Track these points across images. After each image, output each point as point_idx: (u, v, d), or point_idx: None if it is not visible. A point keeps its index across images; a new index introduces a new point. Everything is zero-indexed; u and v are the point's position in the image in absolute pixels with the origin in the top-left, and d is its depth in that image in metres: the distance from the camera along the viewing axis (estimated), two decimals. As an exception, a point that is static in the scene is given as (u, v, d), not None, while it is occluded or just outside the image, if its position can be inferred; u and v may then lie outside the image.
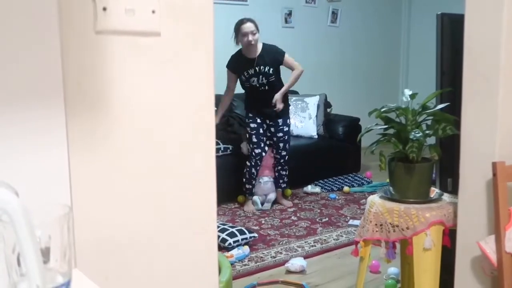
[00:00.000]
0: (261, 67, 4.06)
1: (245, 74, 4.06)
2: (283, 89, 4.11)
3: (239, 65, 4.06)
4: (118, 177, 0.96)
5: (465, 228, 1.89)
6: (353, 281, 2.63)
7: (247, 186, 4.25)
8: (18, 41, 0.80)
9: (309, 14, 6.19)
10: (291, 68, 4.17)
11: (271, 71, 4.07)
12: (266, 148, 4.25)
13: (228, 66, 4.10)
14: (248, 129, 4.18)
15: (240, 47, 4.09)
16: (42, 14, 0.81)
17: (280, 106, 4.07)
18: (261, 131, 4.18)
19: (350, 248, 3.08)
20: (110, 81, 0.93)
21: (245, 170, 4.22)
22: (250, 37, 3.94)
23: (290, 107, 5.05)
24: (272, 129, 4.24)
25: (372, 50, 6.89)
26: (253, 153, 4.18)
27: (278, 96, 4.08)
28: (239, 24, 4.00)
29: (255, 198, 4.29)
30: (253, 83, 4.07)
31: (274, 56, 4.10)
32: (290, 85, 4.17)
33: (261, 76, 4.06)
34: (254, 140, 4.17)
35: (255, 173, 4.22)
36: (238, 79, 4.15)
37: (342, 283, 2.90)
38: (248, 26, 3.96)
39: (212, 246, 1.10)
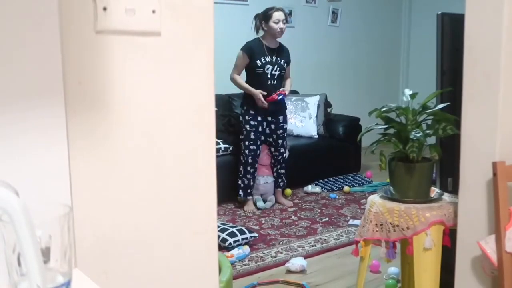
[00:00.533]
0: (278, 58, 4.12)
1: (262, 59, 4.07)
2: (288, 87, 4.25)
3: (258, 50, 4.07)
4: (118, 176, 0.96)
5: (465, 228, 1.89)
6: (353, 281, 2.64)
7: (239, 182, 4.20)
8: (18, 41, 0.80)
9: (310, 13, 6.19)
10: (286, 76, 4.30)
11: (284, 65, 4.18)
12: (261, 146, 4.25)
13: (244, 49, 4.09)
14: (247, 126, 4.16)
15: (255, 35, 4.15)
16: (42, 14, 0.81)
17: (287, 92, 4.18)
18: (260, 129, 4.18)
19: (350, 248, 3.09)
20: (111, 81, 0.93)
21: (241, 168, 4.20)
22: (282, 25, 4.03)
23: (290, 107, 5.08)
24: (273, 126, 4.23)
25: (372, 50, 6.89)
26: (248, 149, 4.16)
27: (287, 88, 4.20)
28: (270, 10, 4.05)
29: (257, 198, 4.29)
30: (267, 70, 4.08)
31: (288, 55, 4.25)
32: (289, 87, 4.29)
33: (276, 66, 4.11)
34: (252, 137, 4.16)
35: (251, 170, 4.20)
36: (246, 68, 4.13)
37: (342, 283, 2.90)
38: (281, 14, 4.06)
39: (212, 246, 1.10)
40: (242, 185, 4.21)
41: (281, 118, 4.24)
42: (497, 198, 1.67)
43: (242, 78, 4.18)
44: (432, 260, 2.03)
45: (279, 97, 4.04)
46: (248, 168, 4.18)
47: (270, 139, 4.27)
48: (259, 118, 4.16)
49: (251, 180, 4.22)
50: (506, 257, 1.67)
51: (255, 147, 4.18)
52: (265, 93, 4.04)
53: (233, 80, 4.13)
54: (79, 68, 0.89)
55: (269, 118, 4.20)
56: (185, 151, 1.04)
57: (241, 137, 4.23)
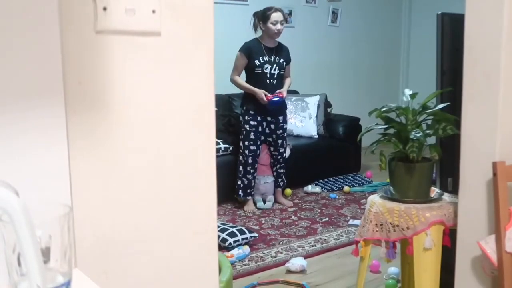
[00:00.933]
0: (277, 57, 4.13)
1: (260, 59, 4.07)
2: (286, 87, 4.22)
3: (256, 50, 4.07)
4: (118, 176, 0.96)
5: (465, 228, 1.89)
6: (354, 281, 2.64)
7: (239, 183, 4.19)
8: (18, 41, 0.80)
9: (310, 13, 6.19)
10: (286, 75, 4.28)
11: (284, 64, 4.17)
12: (261, 147, 4.25)
13: (242, 49, 4.09)
14: (247, 126, 4.15)
15: (254, 36, 4.15)
16: (42, 14, 0.81)
17: (284, 94, 4.14)
18: (260, 129, 4.18)
19: (350, 248, 3.09)
20: (111, 81, 0.93)
21: (240, 168, 4.20)
22: (279, 26, 4.04)
23: (290, 107, 5.08)
24: (272, 126, 4.23)
25: (372, 49, 6.89)
26: (248, 149, 4.16)
27: (284, 89, 4.17)
28: (269, 11, 4.05)
29: (257, 198, 4.29)
30: (266, 70, 4.08)
31: (287, 54, 4.24)
32: (287, 88, 4.26)
33: (275, 65, 4.11)
34: (252, 137, 4.16)
35: (251, 171, 4.20)
36: (246, 68, 4.12)
37: (342, 283, 2.90)
38: (279, 15, 4.05)
39: (212, 246, 1.10)
40: (241, 185, 4.20)
41: (281, 118, 4.24)
42: (497, 198, 1.67)
43: (241, 79, 4.17)
44: (432, 260, 2.03)
45: (274, 99, 4.03)
46: (248, 168, 4.18)
47: (270, 139, 4.27)
48: (259, 118, 4.16)
49: (252, 180, 4.22)
50: (506, 257, 1.67)
51: (255, 147, 4.18)
52: (268, 94, 4.05)
53: (233, 81, 4.14)
54: (79, 68, 0.89)
55: (269, 118, 4.20)
56: (185, 151, 1.04)
57: (240, 137, 4.23)
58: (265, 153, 4.32)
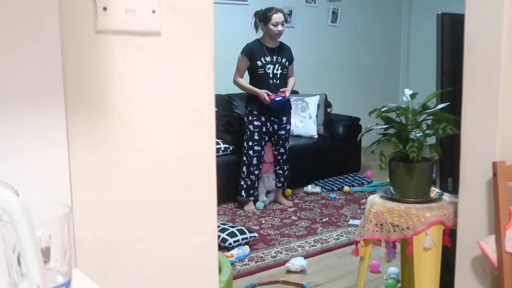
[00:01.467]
0: (279, 57, 4.13)
1: (262, 60, 4.07)
2: (289, 87, 4.21)
3: (257, 51, 4.08)
4: (118, 176, 0.96)
5: (465, 228, 1.89)
6: (354, 281, 2.64)
7: (241, 183, 4.19)
8: (18, 41, 0.80)
9: (310, 13, 6.19)
10: (290, 75, 4.28)
11: (286, 64, 4.17)
12: (265, 147, 4.25)
13: (244, 51, 4.10)
14: (251, 126, 4.15)
15: (255, 36, 4.15)
16: (42, 14, 0.81)
17: (288, 93, 4.13)
18: (263, 129, 4.18)
19: (350, 248, 3.09)
20: (111, 81, 0.93)
21: (244, 169, 4.20)
22: (280, 27, 4.04)
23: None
24: (276, 126, 4.23)
25: (373, 49, 6.89)
26: (252, 150, 4.16)
27: (288, 88, 4.16)
28: (269, 12, 4.04)
29: (261, 199, 4.30)
30: (268, 70, 4.08)
31: (290, 54, 4.24)
32: (291, 87, 4.25)
33: (278, 65, 4.11)
34: (256, 137, 4.16)
35: (256, 172, 4.20)
36: (248, 69, 4.13)
37: (343, 282, 2.90)
38: (280, 16, 4.05)
39: (212, 246, 1.10)
40: (244, 186, 4.20)
41: (284, 118, 4.24)
42: (497, 198, 1.67)
43: (245, 80, 4.18)
44: (432, 260, 2.03)
45: (277, 98, 4.03)
46: (252, 169, 4.18)
47: (272, 139, 4.28)
48: (263, 119, 4.16)
49: (255, 181, 4.21)
50: (506, 257, 1.67)
51: (259, 148, 4.18)
52: (270, 93, 4.05)
53: (236, 83, 4.15)
54: (79, 68, 0.89)
55: (273, 118, 4.20)
56: (185, 151, 1.04)
57: (244, 137, 4.23)
58: (270, 150, 4.33)
